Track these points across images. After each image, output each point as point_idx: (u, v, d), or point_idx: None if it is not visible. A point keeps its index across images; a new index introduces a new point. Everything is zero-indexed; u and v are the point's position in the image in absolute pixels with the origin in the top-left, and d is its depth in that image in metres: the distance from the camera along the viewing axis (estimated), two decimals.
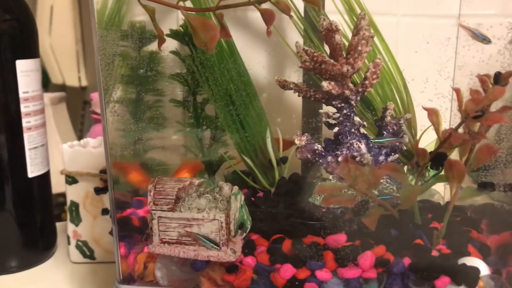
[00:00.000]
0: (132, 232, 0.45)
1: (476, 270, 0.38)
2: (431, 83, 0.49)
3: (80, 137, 1.24)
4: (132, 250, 0.44)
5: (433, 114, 0.39)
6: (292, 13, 0.51)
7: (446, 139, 0.37)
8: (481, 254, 0.41)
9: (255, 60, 0.55)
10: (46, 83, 1.24)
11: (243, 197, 0.40)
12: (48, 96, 1.04)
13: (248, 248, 0.41)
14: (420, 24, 0.61)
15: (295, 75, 0.58)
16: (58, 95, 1.10)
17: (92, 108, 0.78)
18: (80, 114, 1.33)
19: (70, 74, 1.28)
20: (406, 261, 0.39)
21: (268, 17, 0.39)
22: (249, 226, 0.40)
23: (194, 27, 0.37)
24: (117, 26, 0.48)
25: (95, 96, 0.78)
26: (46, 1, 1.24)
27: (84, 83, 1.30)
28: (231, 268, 0.40)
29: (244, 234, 0.40)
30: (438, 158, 0.39)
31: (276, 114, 0.55)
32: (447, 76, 0.51)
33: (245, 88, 0.49)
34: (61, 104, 1.10)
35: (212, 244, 0.38)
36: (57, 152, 0.96)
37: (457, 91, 0.37)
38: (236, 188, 0.39)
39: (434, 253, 0.40)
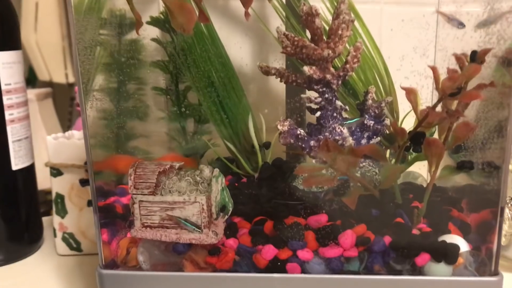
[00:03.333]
0: (115, 219, 0.45)
1: (455, 247, 0.38)
2: (414, 65, 0.49)
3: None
4: (115, 236, 0.43)
5: (411, 93, 0.39)
6: None
7: (424, 118, 0.37)
8: (461, 231, 0.41)
9: (238, 47, 0.55)
10: (33, 80, 1.23)
11: (224, 180, 0.40)
12: (34, 92, 1.03)
13: (230, 230, 0.41)
14: (402, 11, 0.62)
15: (277, 64, 0.58)
16: (44, 90, 1.09)
17: (77, 100, 0.78)
18: (68, 111, 1.32)
19: (57, 70, 1.27)
20: (387, 239, 0.39)
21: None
22: (230, 209, 0.40)
23: (171, 9, 0.37)
24: (97, 14, 0.48)
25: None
26: None
27: (71, 79, 1.29)
28: (213, 250, 0.40)
29: (226, 217, 0.41)
30: (417, 137, 0.40)
31: (260, 101, 0.55)
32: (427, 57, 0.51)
33: (226, 72, 0.49)
34: (47, 100, 1.09)
35: (194, 227, 0.38)
36: (43, 147, 0.95)
37: (434, 69, 0.37)
38: (216, 170, 0.39)
39: (415, 231, 0.40)
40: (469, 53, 0.39)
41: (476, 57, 0.37)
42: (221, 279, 0.39)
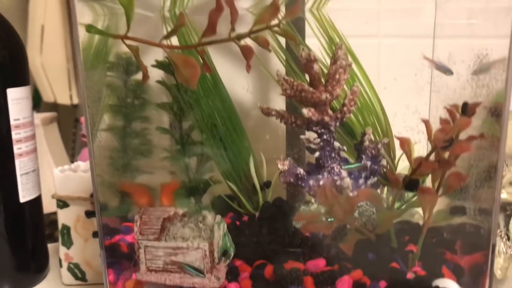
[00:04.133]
0: (120, 258, 0.47)
1: None
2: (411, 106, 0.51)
3: (72, 155, 1.25)
4: (120, 276, 0.45)
5: (405, 143, 0.41)
6: (274, 43, 0.53)
7: (417, 168, 0.39)
8: (454, 275, 0.43)
9: (240, 86, 0.57)
10: (38, 102, 1.25)
11: (225, 226, 0.42)
12: (39, 117, 1.05)
13: (232, 274, 0.42)
14: (400, 44, 0.64)
15: (279, 99, 0.59)
16: (49, 115, 1.11)
17: (82, 131, 0.80)
18: (72, 132, 1.34)
19: (62, 92, 1.29)
20: (382, 284, 0.41)
21: (247, 52, 0.41)
22: (232, 253, 0.42)
23: (176, 64, 0.39)
24: (104, 57, 0.50)
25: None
26: (37, 20, 1.25)
27: (75, 101, 1.31)
28: None
29: (228, 261, 0.42)
30: (411, 185, 0.41)
31: (261, 138, 0.57)
32: (424, 102, 0.53)
33: (228, 114, 0.51)
34: (53, 124, 1.11)
35: (197, 272, 0.40)
36: (49, 172, 0.97)
37: (426, 122, 0.39)
38: (219, 217, 0.41)
39: (409, 275, 0.42)
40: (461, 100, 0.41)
41: (467, 109, 0.39)
42: None
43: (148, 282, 0.41)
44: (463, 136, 0.40)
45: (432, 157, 0.40)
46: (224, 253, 0.41)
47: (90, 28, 0.38)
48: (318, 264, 0.41)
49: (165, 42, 0.40)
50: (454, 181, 0.39)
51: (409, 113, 0.47)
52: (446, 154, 0.41)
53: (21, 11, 1.30)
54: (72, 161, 1.20)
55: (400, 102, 0.49)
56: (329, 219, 0.38)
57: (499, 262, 0.59)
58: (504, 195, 0.59)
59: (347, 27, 0.56)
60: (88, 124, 0.43)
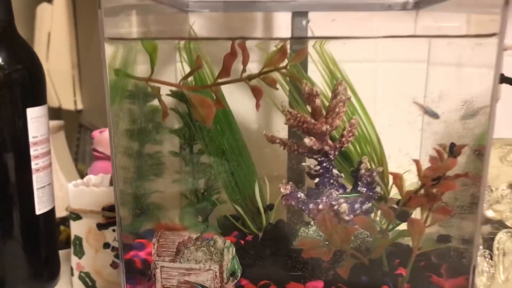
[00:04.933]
0: (135, 274, 0.51)
1: None
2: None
3: (75, 159, 1.29)
4: None
5: (397, 179, 0.45)
6: (280, 77, 0.58)
7: (407, 201, 0.44)
8: None
9: (248, 115, 0.61)
10: None
11: (234, 249, 0.46)
12: None
13: None
14: (396, 68, 0.68)
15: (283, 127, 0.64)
16: (57, 123, 1.14)
17: (94, 146, 0.83)
18: (76, 137, 1.37)
19: (66, 98, 1.33)
20: None
21: (257, 93, 0.46)
22: (239, 274, 0.46)
23: (194, 104, 0.43)
24: (123, 87, 0.54)
25: (96, 135, 0.83)
26: (44, 27, 1.29)
27: (79, 106, 1.34)
28: None
29: (235, 281, 0.47)
30: (401, 216, 0.46)
31: (264, 165, 0.61)
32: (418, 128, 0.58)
33: (237, 145, 0.55)
34: (60, 133, 1.14)
35: None
36: (56, 179, 1.01)
37: (417, 162, 0.44)
38: (228, 242, 0.45)
39: None
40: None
41: (454, 150, 0.44)
42: None
43: None
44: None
45: (422, 191, 0.45)
46: (232, 273, 0.46)
47: (118, 72, 0.42)
48: (317, 285, 0.46)
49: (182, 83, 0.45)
50: (441, 214, 0.44)
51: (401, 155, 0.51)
52: (434, 189, 0.45)
53: (28, 19, 1.34)
54: (76, 165, 1.24)
55: (393, 145, 0.54)
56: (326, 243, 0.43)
57: (482, 280, 0.63)
58: (491, 213, 0.63)
59: (346, 54, 0.60)
60: (113, 148, 0.46)
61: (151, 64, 0.42)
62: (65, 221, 0.80)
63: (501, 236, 0.62)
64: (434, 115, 0.47)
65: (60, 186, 1.01)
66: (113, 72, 0.42)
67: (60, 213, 0.77)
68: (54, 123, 1.13)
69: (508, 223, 0.63)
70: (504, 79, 0.94)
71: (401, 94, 0.61)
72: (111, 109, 0.50)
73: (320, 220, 0.45)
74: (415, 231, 0.44)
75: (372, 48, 0.69)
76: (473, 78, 0.47)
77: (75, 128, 1.38)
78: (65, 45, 1.32)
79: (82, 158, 1.35)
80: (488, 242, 0.63)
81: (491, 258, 0.62)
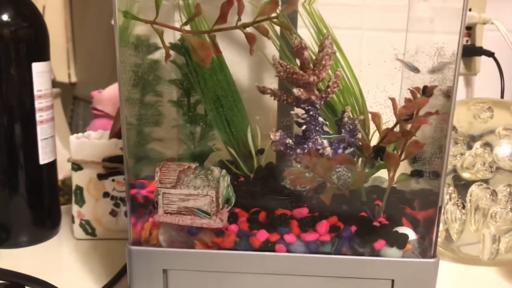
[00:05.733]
0: (137, 207, 0.56)
1: (405, 236, 0.50)
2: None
3: (70, 129, 1.32)
4: (138, 221, 0.54)
5: (375, 117, 0.51)
6: (271, 32, 0.62)
7: (384, 137, 0.49)
8: (412, 225, 0.53)
9: (241, 68, 0.66)
10: None
11: (229, 178, 0.51)
12: None
13: (233, 218, 0.52)
14: (380, 37, 0.73)
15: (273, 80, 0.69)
16: (53, 91, 1.17)
17: (93, 104, 0.88)
18: (70, 109, 1.40)
19: (61, 70, 1.35)
20: (353, 228, 0.51)
21: (250, 39, 0.50)
22: (233, 201, 0.52)
23: (194, 46, 0.48)
24: (127, 40, 0.58)
25: (95, 94, 0.87)
26: (39, 1, 1.31)
27: (73, 79, 1.37)
28: (219, 233, 0.51)
29: (230, 207, 0.52)
30: (379, 151, 0.51)
31: (256, 113, 0.66)
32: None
33: (231, 92, 0.60)
34: (56, 100, 1.18)
35: (204, 214, 0.49)
36: None
37: (392, 100, 0.49)
38: (224, 171, 0.50)
39: (376, 223, 0.52)
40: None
41: (426, 91, 0.49)
42: (224, 255, 0.50)
43: (164, 222, 0.51)
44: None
45: (397, 129, 0.50)
46: (227, 200, 0.51)
47: (126, 14, 0.46)
48: (302, 211, 0.51)
49: (184, 28, 0.49)
50: (414, 148, 0.49)
51: (379, 91, 0.57)
52: (408, 127, 0.51)
53: None
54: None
55: (372, 84, 0.59)
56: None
57: (454, 227, 0.69)
58: (466, 175, 0.69)
59: (333, 19, 0.65)
60: (122, 94, 0.51)
61: (156, 7, 0.46)
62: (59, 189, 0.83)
63: (474, 188, 0.68)
64: (415, 70, 0.52)
65: (57, 152, 1.05)
66: (122, 14, 0.47)
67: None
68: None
69: (479, 175, 0.68)
70: (482, 52, 1.00)
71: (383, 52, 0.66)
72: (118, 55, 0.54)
73: (306, 153, 0.50)
74: (391, 164, 0.50)
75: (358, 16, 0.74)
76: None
77: (70, 101, 1.41)
78: (60, 18, 1.35)
79: (76, 129, 1.38)
80: (462, 193, 0.69)
81: (463, 207, 0.68)
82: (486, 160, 0.68)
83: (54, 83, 1.35)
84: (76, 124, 1.39)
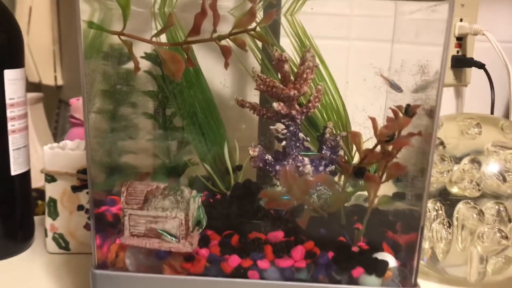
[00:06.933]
0: (106, 226, 0.53)
1: (385, 263, 0.48)
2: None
3: (55, 134, 1.29)
4: (105, 241, 0.51)
5: (355, 137, 0.48)
6: (251, 43, 0.60)
7: (363, 158, 0.46)
8: (393, 250, 0.50)
9: (219, 80, 0.63)
10: None
11: (200, 199, 0.49)
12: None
13: (203, 241, 0.49)
14: (367, 46, 0.71)
15: (254, 93, 0.66)
16: (35, 95, 1.15)
17: (71, 112, 0.85)
18: (55, 112, 1.37)
19: (47, 73, 1.33)
20: (330, 254, 0.48)
21: (226, 52, 0.48)
22: (204, 224, 0.49)
23: (164, 59, 0.45)
24: (98, 48, 0.56)
25: (73, 102, 0.84)
26: (25, 2, 1.28)
27: (60, 82, 1.34)
28: (189, 257, 0.48)
29: (200, 230, 0.49)
30: (359, 172, 0.49)
31: (236, 128, 0.63)
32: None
33: (208, 104, 0.57)
34: (38, 104, 1.15)
35: (173, 238, 0.46)
36: (33, 149, 1.02)
37: (373, 120, 0.46)
38: (194, 191, 0.48)
39: (354, 248, 0.49)
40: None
41: (409, 110, 0.47)
42: (194, 282, 0.47)
43: (131, 245, 0.48)
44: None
45: (378, 149, 0.48)
46: (198, 223, 0.48)
47: (91, 25, 0.44)
48: (277, 235, 0.49)
49: (154, 38, 0.47)
50: (395, 170, 0.47)
51: (358, 111, 0.54)
52: (390, 147, 0.48)
53: None
54: (55, 140, 1.25)
55: (352, 103, 0.57)
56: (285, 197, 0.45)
57: (440, 246, 0.67)
58: (455, 190, 0.67)
59: (317, 29, 0.63)
60: (86, 106, 0.48)
61: (123, 19, 0.43)
62: (43, 193, 0.81)
63: (461, 206, 0.65)
64: (398, 89, 0.50)
65: (38, 157, 1.02)
66: (87, 25, 0.44)
67: (38, 183, 0.78)
68: (33, 95, 1.13)
69: (466, 193, 0.66)
70: (473, 63, 0.98)
71: (368, 66, 0.64)
72: (87, 69, 0.51)
73: (282, 172, 0.47)
74: (371, 186, 0.47)
75: (345, 26, 0.72)
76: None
77: (55, 104, 1.38)
78: (47, 20, 1.32)
79: (61, 134, 1.35)
80: (448, 212, 0.66)
81: (450, 226, 0.66)
82: (474, 176, 0.65)
83: (40, 87, 1.33)
84: (62, 128, 1.36)
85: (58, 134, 1.35)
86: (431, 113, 0.45)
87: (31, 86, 1.30)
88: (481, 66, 0.94)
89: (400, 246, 0.51)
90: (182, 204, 0.46)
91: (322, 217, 0.49)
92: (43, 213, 0.78)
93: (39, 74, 1.34)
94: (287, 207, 0.46)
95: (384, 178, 0.48)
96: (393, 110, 0.47)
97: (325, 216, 0.49)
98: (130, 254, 0.49)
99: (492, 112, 0.96)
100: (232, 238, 0.50)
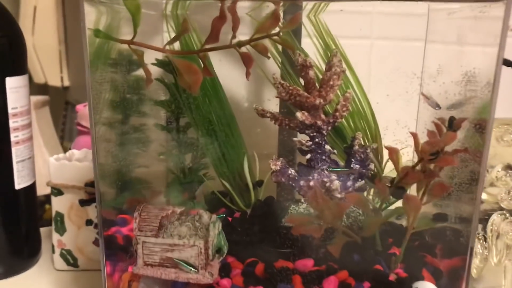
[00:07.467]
0: (116, 250, 0.48)
1: None
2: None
3: (61, 137, 1.26)
4: (116, 267, 0.47)
5: (393, 153, 0.43)
6: (272, 47, 0.55)
7: (403, 177, 0.41)
8: (433, 277, 0.46)
9: (238, 86, 0.58)
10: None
11: (220, 225, 0.44)
12: (31, 100, 1.05)
13: (224, 270, 0.45)
14: (392, 46, 0.66)
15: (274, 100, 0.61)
16: (41, 98, 1.11)
17: (78, 120, 0.81)
18: (62, 114, 1.34)
19: (53, 74, 1.29)
20: (366, 285, 0.43)
21: (247, 60, 0.43)
22: (225, 251, 0.44)
23: (180, 69, 0.40)
24: (106, 55, 0.51)
25: (80, 109, 0.80)
26: (30, 1, 1.25)
27: (66, 83, 1.31)
28: None
29: (221, 258, 0.44)
30: (397, 192, 0.44)
31: (255, 135, 0.58)
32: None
33: (224, 114, 0.52)
34: (44, 108, 1.11)
35: (191, 268, 0.42)
36: (39, 155, 0.98)
37: (414, 135, 0.41)
38: (214, 216, 0.43)
39: (392, 277, 0.44)
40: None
41: (453, 124, 0.42)
42: None
43: (145, 275, 0.43)
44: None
45: (419, 167, 0.43)
46: (218, 250, 0.43)
47: (98, 33, 0.39)
48: (307, 264, 0.44)
49: (168, 46, 0.42)
50: (438, 190, 0.42)
51: (399, 126, 0.49)
52: (432, 165, 0.43)
53: None
54: (62, 143, 1.21)
55: (391, 116, 0.52)
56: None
57: (475, 262, 0.62)
58: (484, 196, 0.62)
59: (341, 28, 0.58)
60: (93, 121, 0.44)
61: (134, 26, 0.39)
62: (50, 198, 0.78)
63: (495, 218, 0.61)
64: (437, 106, 0.45)
65: (44, 163, 0.98)
66: (93, 33, 0.39)
67: (44, 190, 0.74)
68: (39, 98, 1.09)
69: (503, 205, 0.62)
70: (503, 62, 0.92)
71: (397, 70, 0.59)
72: (93, 77, 0.47)
73: (311, 195, 0.42)
74: (411, 209, 0.42)
75: (368, 24, 0.67)
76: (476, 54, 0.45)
77: (62, 106, 1.35)
78: (52, 19, 1.28)
79: (69, 136, 1.32)
80: (483, 223, 0.62)
81: (485, 240, 0.61)
82: (509, 184, 0.61)
83: (46, 88, 1.29)
84: (69, 131, 1.33)
85: (65, 137, 1.31)
86: (480, 127, 0.40)
87: (37, 88, 1.27)
88: (510, 64, 0.88)
89: (441, 273, 0.46)
90: (201, 231, 0.42)
91: (355, 242, 0.45)
92: (51, 218, 0.75)
93: (45, 75, 1.30)
94: (319, 234, 0.41)
95: (425, 199, 0.43)
96: (435, 124, 0.42)
97: (359, 241, 0.45)
98: (144, 284, 0.44)
99: None
100: (256, 267, 0.45)
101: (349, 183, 0.53)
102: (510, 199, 0.61)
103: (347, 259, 0.44)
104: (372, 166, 0.53)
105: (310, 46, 0.58)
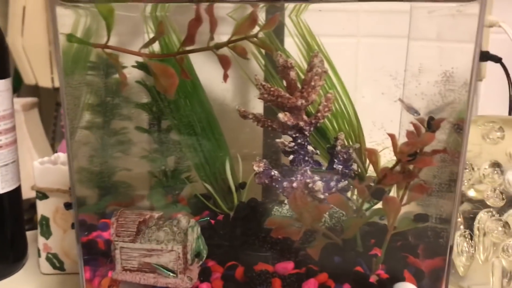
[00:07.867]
0: (97, 255, 0.48)
1: None
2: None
3: (53, 138, 1.25)
4: (97, 272, 0.47)
5: (372, 155, 0.43)
6: (253, 48, 0.54)
7: (382, 178, 0.41)
8: (415, 278, 0.45)
9: (219, 87, 0.58)
10: (18, 86, 1.24)
11: (199, 229, 0.43)
12: (20, 102, 1.04)
13: (204, 275, 0.44)
14: (377, 43, 0.66)
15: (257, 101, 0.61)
16: (30, 100, 1.10)
17: (62, 122, 0.80)
18: (53, 116, 1.33)
19: (43, 75, 1.28)
20: (346, 287, 0.43)
21: (224, 62, 0.42)
22: (204, 255, 0.44)
23: (156, 73, 0.40)
24: (85, 58, 0.50)
25: None
26: (18, 1, 1.23)
27: (57, 84, 1.30)
28: None
29: (201, 262, 0.44)
30: (376, 194, 0.44)
31: (238, 136, 0.58)
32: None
33: (207, 117, 0.52)
34: (33, 110, 1.10)
35: (170, 273, 0.42)
36: (29, 158, 0.97)
37: (392, 136, 0.41)
38: (193, 221, 0.42)
39: (373, 278, 0.44)
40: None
41: (432, 125, 0.41)
42: None
43: (123, 281, 0.43)
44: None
45: (398, 168, 0.43)
46: (197, 254, 0.43)
47: (71, 38, 0.39)
48: (287, 267, 0.44)
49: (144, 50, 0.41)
50: (418, 191, 0.42)
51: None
52: (411, 166, 0.43)
53: None
54: (52, 145, 1.20)
55: (369, 118, 0.51)
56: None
57: (461, 260, 0.62)
58: (472, 193, 0.62)
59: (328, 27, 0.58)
60: (68, 125, 0.43)
61: (107, 30, 0.38)
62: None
63: (482, 215, 0.61)
64: (416, 113, 0.45)
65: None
66: (66, 38, 0.39)
67: (33, 193, 0.73)
68: (27, 100, 1.09)
69: (489, 203, 0.62)
70: (489, 57, 0.92)
71: (381, 68, 0.58)
72: (71, 81, 0.46)
73: (290, 198, 0.42)
74: (391, 210, 0.42)
75: (353, 22, 0.67)
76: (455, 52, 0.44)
77: (53, 107, 1.34)
78: (41, 20, 1.27)
79: (60, 137, 1.31)
80: (469, 222, 0.62)
81: (471, 238, 0.61)
82: (495, 181, 0.61)
83: (36, 89, 1.28)
84: (61, 131, 1.32)
85: (56, 138, 1.30)
86: (459, 127, 0.40)
87: (27, 89, 1.26)
88: (498, 60, 0.88)
89: (423, 274, 0.46)
90: (179, 236, 0.41)
91: (336, 244, 0.44)
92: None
93: (35, 76, 1.29)
94: (298, 237, 0.41)
95: (405, 200, 0.43)
96: (414, 125, 0.42)
97: (340, 243, 0.44)
98: None
99: (510, 108, 0.90)
100: (236, 271, 0.45)
101: (332, 184, 0.53)
102: (496, 197, 0.61)
103: (327, 261, 0.44)
104: (355, 166, 0.53)
105: (292, 45, 0.57)
